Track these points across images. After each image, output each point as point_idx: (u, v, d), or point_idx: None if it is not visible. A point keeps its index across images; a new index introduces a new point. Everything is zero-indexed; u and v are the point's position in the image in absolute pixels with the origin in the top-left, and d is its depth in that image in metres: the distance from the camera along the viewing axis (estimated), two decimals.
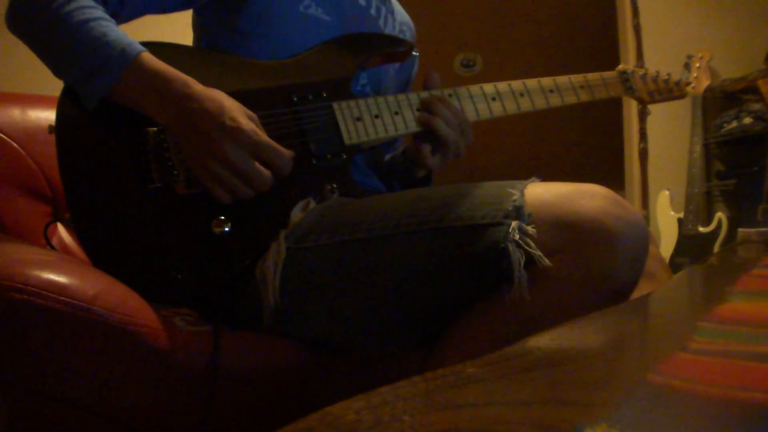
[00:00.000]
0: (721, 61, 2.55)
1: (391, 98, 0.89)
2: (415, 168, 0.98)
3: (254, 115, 0.76)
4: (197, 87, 0.75)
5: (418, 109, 0.89)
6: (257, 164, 0.73)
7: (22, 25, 0.77)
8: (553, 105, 0.98)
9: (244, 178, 0.73)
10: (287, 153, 0.76)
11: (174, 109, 0.74)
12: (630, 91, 1.07)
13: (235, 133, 0.72)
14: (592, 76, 1.03)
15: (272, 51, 0.87)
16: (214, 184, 0.73)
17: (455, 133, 0.88)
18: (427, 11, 3.67)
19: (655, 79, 1.09)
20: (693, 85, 2.46)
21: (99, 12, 0.76)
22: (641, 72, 1.09)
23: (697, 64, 2.50)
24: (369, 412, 0.23)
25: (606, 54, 3.19)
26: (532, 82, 0.97)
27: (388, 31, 1.03)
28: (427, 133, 0.89)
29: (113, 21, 0.78)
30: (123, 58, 0.73)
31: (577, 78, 1.01)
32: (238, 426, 0.71)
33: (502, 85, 0.95)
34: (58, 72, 0.76)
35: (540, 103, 0.97)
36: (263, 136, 0.74)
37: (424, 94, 0.90)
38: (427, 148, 0.89)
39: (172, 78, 0.74)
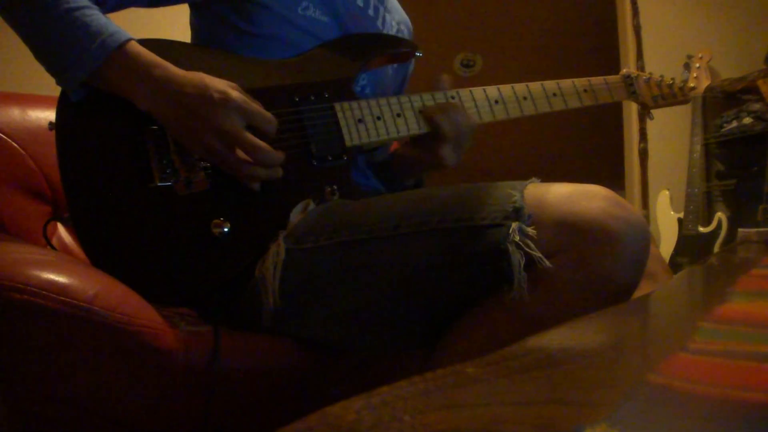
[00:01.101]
0: (721, 61, 2.55)
1: (393, 100, 0.89)
2: (404, 175, 0.98)
3: (235, 84, 0.77)
4: (176, 70, 0.75)
5: (420, 111, 0.88)
6: (252, 136, 0.74)
7: (8, 12, 0.76)
8: (557, 109, 0.98)
9: (239, 146, 0.74)
10: (274, 119, 0.76)
11: (159, 95, 0.74)
12: (634, 95, 1.06)
13: (224, 103, 0.73)
14: (595, 80, 1.02)
15: (272, 51, 0.87)
16: (213, 160, 0.75)
17: (456, 133, 0.88)
18: (427, 11, 3.67)
19: (659, 84, 1.09)
20: (693, 85, 2.46)
21: (84, 1, 0.76)
22: (645, 76, 1.08)
23: (697, 64, 2.50)
24: (369, 412, 0.23)
25: (606, 54, 3.19)
26: (535, 86, 0.97)
27: (386, 31, 1.03)
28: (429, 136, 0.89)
29: (98, 9, 0.77)
30: (101, 49, 0.73)
31: (580, 82, 1.00)
32: (238, 426, 0.71)
33: (506, 89, 0.95)
34: (39, 60, 0.76)
35: (543, 107, 0.96)
36: (251, 104, 0.75)
37: (427, 97, 0.90)
38: (446, 148, 0.88)
39: (152, 64, 0.75)
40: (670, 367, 0.30)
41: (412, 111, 0.89)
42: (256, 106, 0.75)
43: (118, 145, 0.76)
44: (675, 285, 0.72)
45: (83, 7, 0.74)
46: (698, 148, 2.46)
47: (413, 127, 0.88)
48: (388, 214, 0.71)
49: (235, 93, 0.74)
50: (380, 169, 1.03)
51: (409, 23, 1.13)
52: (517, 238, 0.62)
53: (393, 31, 1.05)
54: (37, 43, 0.75)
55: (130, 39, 0.76)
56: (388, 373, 0.86)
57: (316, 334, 0.77)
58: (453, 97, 0.92)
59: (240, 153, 0.75)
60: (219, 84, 0.75)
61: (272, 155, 0.76)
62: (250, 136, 0.74)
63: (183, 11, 0.94)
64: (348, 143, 0.84)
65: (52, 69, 0.75)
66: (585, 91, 1.00)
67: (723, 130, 2.48)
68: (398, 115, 0.88)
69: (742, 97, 2.49)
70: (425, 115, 0.88)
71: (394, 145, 1.14)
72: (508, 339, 0.37)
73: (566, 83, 0.99)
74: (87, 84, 0.75)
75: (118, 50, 0.74)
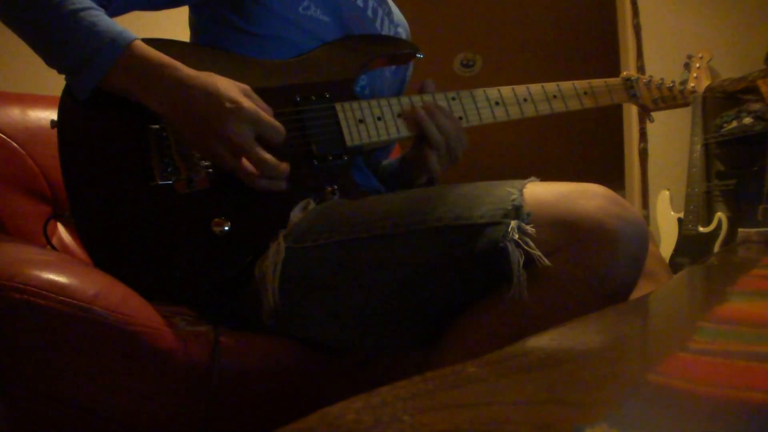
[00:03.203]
0: (721, 61, 2.55)
1: (394, 100, 0.89)
2: (416, 175, 0.98)
3: (247, 88, 0.77)
4: (188, 71, 0.75)
5: (399, 114, 0.88)
6: (260, 150, 0.74)
7: (12, 15, 0.76)
8: (557, 111, 0.98)
9: (247, 158, 0.75)
10: (282, 129, 0.76)
11: (168, 96, 0.74)
12: (634, 98, 1.06)
13: (236, 113, 0.73)
14: (596, 82, 1.02)
15: (272, 51, 0.87)
16: (221, 166, 0.75)
17: (445, 139, 0.88)
18: (427, 11, 3.67)
19: (659, 87, 1.09)
20: (693, 85, 2.46)
21: (88, 1, 0.76)
22: (646, 79, 1.08)
23: (697, 64, 2.50)
24: (369, 412, 0.23)
25: (606, 54, 3.19)
26: (535, 88, 0.97)
27: (384, 32, 1.03)
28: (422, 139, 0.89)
29: (103, 11, 0.77)
30: (113, 49, 0.73)
31: (581, 84, 1.00)
32: (238, 426, 0.71)
33: (506, 90, 0.95)
34: (48, 62, 0.76)
35: (543, 109, 0.97)
36: (262, 114, 0.75)
37: (428, 98, 0.90)
38: (433, 155, 0.89)
39: (163, 64, 0.74)
40: (670, 367, 0.30)
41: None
42: (266, 116, 0.75)
43: (119, 143, 0.76)
44: (675, 285, 0.72)
45: (88, 8, 0.75)
46: (698, 148, 2.46)
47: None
48: (388, 213, 0.71)
49: (247, 102, 0.74)
50: (390, 175, 1.03)
51: (407, 27, 1.13)
52: (517, 237, 0.62)
53: (391, 33, 1.05)
54: (45, 45, 0.75)
55: (137, 38, 0.76)
56: (388, 373, 0.86)
57: (316, 334, 0.77)
58: (454, 98, 0.92)
59: (246, 163, 0.75)
60: (231, 90, 0.74)
61: (278, 169, 0.76)
62: (259, 150, 0.74)
63: (182, 11, 0.94)
64: (349, 143, 0.84)
65: (63, 70, 0.75)
66: (585, 93, 1.00)
67: (723, 130, 2.48)
68: (399, 116, 0.88)
69: (742, 97, 2.49)
70: (405, 117, 0.88)
71: (395, 153, 1.15)
72: (508, 339, 0.37)
73: (567, 85, 0.99)
74: (101, 87, 0.75)
75: (127, 49, 0.74)
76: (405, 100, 0.89)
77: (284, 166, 0.76)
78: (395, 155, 1.15)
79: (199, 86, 0.74)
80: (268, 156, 0.75)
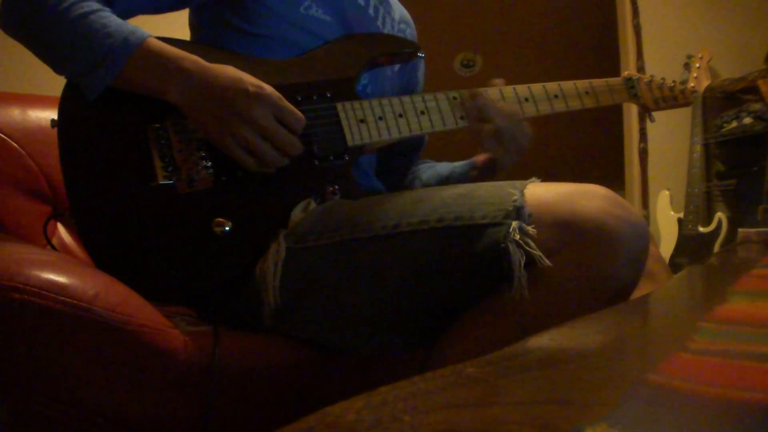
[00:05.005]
0: (721, 61, 2.55)
1: (395, 100, 0.88)
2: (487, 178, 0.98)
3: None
4: (208, 63, 0.77)
5: (401, 115, 0.89)
6: (285, 131, 0.76)
7: (17, 25, 0.76)
8: (558, 111, 0.98)
9: (272, 140, 0.76)
10: (303, 118, 0.78)
11: (190, 84, 0.75)
12: (635, 98, 1.06)
13: (260, 96, 0.75)
14: (597, 82, 1.02)
15: (274, 51, 0.87)
16: (241, 152, 0.75)
17: (510, 124, 0.89)
18: (427, 11, 3.67)
19: (660, 87, 1.08)
20: (693, 85, 2.46)
21: (96, 5, 0.76)
22: (647, 79, 1.08)
23: (697, 64, 2.50)
24: (369, 412, 0.23)
25: (606, 54, 3.19)
26: (537, 88, 0.97)
27: (386, 31, 1.03)
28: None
29: (110, 11, 0.78)
30: (126, 48, 0.74)
31: (582, 84, 1.00)
32: (237, 426, 0.71)
33: (507, 90, 0.95)
34: (58, 68, 0.76)
35: (545, 109, 0.96)
36: (285, 100, 0.77)
37: (429, 97, 0.90)
38: (499, 146, 0.90)
39: (183, 57, 0.76)
40: (670, 367, 0.30)
41: (413, 112, 0.88)
42: (288, 103, 0.77)
43: (120, 142, 0.76)
44: (675, 285, 0.72)
45: (97, 10, 0.75)
46: (698, 148, 2.46)
47: (415, 128, 0.88)
48: (389, 214, 0.71)
49: (269, 87, 0.76)
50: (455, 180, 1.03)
51: (411, 22, 1.13)
52: (518, 237, 0.62)
53: (393, 31, 1.05)
54: (55, 51, 0.75)
55: (150, 36, 0.76)
56: (388, 373, 0.86)
57: (316, 334, 0.77)
58: (456, 98, 0.92)
59: (268, 147, 0.76)
60: (253, 78, 0.76)
61: (300, 148, 0.78)
62: (284, 131, 0.76)
63: (182, 12, 0.94)
64: (350, 143, 0.84)
65: (76, 73, 0.75)
66: (587, 93, 1.00)
67: (723, 130, 2.48)
68: (400, 116, 0.88)
69: (742, 97, 2.49)
70: (464, 104, 0.88)
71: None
72: (508, 338, 0.37)
73: (568, 85, 0.99)
74: (115, 85, 0.75)
75: (142, 46, 0.75)
76: (406, 99, 0.89)
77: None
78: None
79: (222, 74, 0.76)
80: (293, 137, 0.77)
